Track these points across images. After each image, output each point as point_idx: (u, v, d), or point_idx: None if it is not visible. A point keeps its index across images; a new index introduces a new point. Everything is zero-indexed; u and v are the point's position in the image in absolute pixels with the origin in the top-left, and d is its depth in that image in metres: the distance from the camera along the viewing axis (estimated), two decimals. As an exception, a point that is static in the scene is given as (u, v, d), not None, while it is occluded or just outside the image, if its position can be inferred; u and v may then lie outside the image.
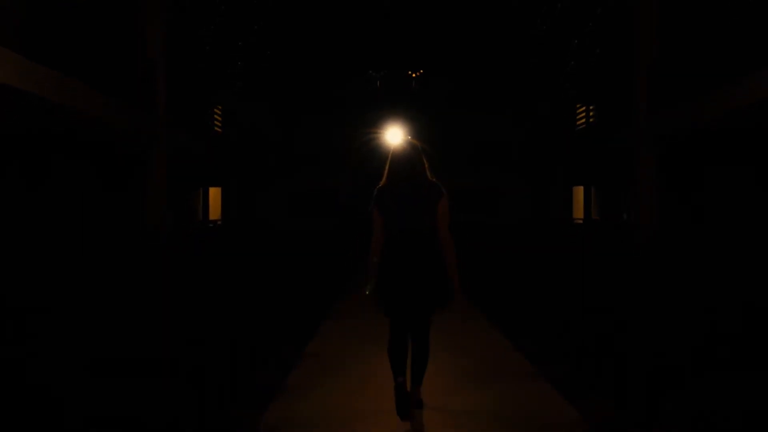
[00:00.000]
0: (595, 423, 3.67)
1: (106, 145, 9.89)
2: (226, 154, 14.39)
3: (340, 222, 17.73)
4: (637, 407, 3.67)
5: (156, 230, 9.62)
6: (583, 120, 13.23)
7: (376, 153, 18.67)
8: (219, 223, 16.25)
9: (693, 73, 8.20)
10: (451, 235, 3.64)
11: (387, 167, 3.75)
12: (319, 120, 18.94)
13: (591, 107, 12.91)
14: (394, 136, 18.55)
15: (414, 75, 19.51)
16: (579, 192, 16.25)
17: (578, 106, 13.60)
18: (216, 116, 13.59)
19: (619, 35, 11.47)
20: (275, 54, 17.40)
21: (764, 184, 8.21)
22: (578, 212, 16.08)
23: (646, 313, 4.05)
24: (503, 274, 7.76)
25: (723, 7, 7.70)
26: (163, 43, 10.07)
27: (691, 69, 8.29)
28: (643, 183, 9.64)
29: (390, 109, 18.83)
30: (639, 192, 9.68)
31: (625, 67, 10.63)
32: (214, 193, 17.11)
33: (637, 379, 3.68)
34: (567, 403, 4.00)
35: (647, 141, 9.53)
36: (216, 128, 13.54)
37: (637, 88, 9.74)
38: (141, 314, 3.77)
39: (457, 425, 3.72)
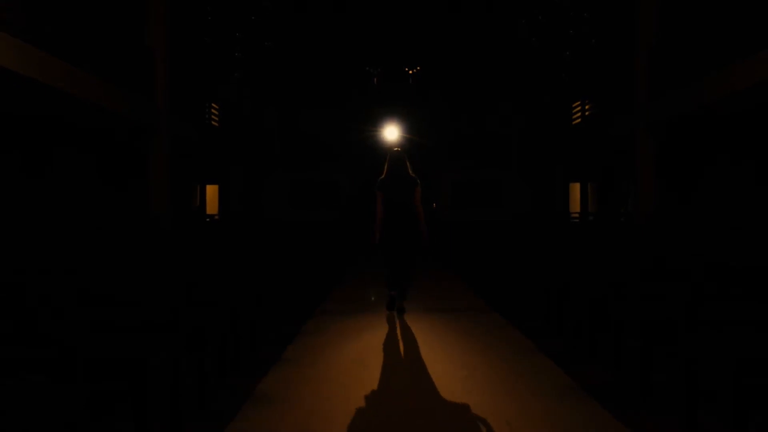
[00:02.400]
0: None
1: (107, 133, 9.94)
2: (223, 148, 14.44)
3: (340, 215, 17.79)
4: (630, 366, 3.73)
5: (159, 219, 9.68)
6: (579, 116, 13.32)
7: (375, 148, 18.78)
8: (216, 217, 16.29)
9: (693, 59, 8.27)
10: (422, 207, 6.02)
11: (386, 166, 6.06)
12: (318, 115, 19.01)
13: (587, 103, 12.99)
14: (391, 132, 18.70)
15: (411, 72, 19.60)
16: (576, 188, 16.36)
17: (575, 104, 13.67)
18: (213, 111, 13.64)
19: (616, 26, 11.56)
20: (274, 48, 17.46)
21: (763, 168, 8.28)
22: (575, 207, 16.17)
23: (638, 284, 4.11)
24: (507, 261, 7.83)
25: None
26: (164, 33, 10.13)
27: (692, 54, 8.35)
28: (642, 168, 9.70)
29: (388, 104, 18.93)
30: (638, 177, 9.74)
31: (623, 57, 10.71)
32: (212, 190, 17.18)
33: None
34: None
35: (647, 126, 9.60)
36: (213, 122, 13.59)
37: (637, 74, 9.81)
38: (149, 286, 3.82)
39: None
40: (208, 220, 15.71)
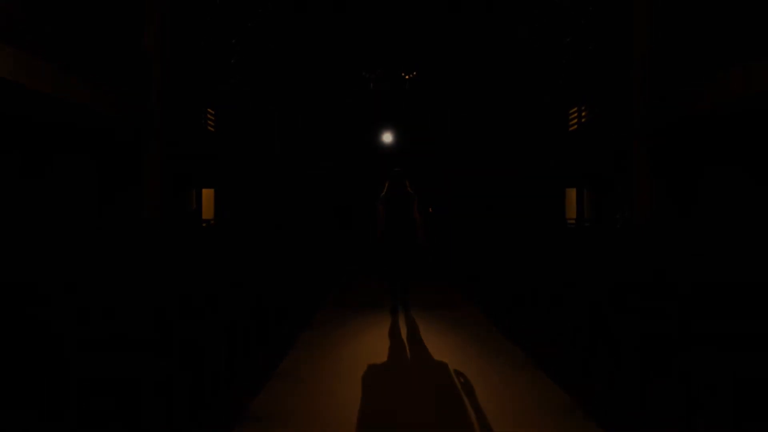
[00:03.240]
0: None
1: (100, 137, 9.88)
2: (219, 152, 14.39)
3: (339, 218, 17.74)
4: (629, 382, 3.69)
5: (153, 224, 9.61)
6: (576, 121, 13.33)
7: (373, 150, 18.75)
8: (212, 222, 16.22)
9: (688, 65, 8.26)
10: (421, 216, 6.81)
11: (387, 183, 6.90)
12: (316, 118, 18.99)
13: (584, 109, 12.99)
14: (389, 136, 18.70)
15: (408, 76, 19.61)
16: (572, 193, 16.37)
17: (572, 110, 13.67)
18: (210, 115, 13.59)
19: (613, 32, 11.56)
20: (272, 52, 17.42)
21: (759, 174, 8.27)
22: (571, 212, 16.18)
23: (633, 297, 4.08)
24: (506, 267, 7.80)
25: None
26: (161, 37, 10.09)
27: (686, 60, 8.35)
28: (639, 173, 9.68)
29: (386, 107, 18.94)
30: (635, 183, 9.72)
31: (619, 63, 10.71)
32: (207, 194, 17.10)
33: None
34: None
35: (643, 131, 9.58)
36: (210, 127, 13.54)
37: (633, 80, 9.79)
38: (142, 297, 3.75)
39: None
40: (204, 225, 15.64)
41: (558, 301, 5.25)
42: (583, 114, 12.97)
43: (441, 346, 5.32)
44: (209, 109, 13.59)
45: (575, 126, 13.32)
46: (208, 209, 17.04)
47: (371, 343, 5.41)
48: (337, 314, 6.88)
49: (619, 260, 5.19)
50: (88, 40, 8.06)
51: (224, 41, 14.87)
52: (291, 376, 4.35)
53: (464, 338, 5.61)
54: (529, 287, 6.39)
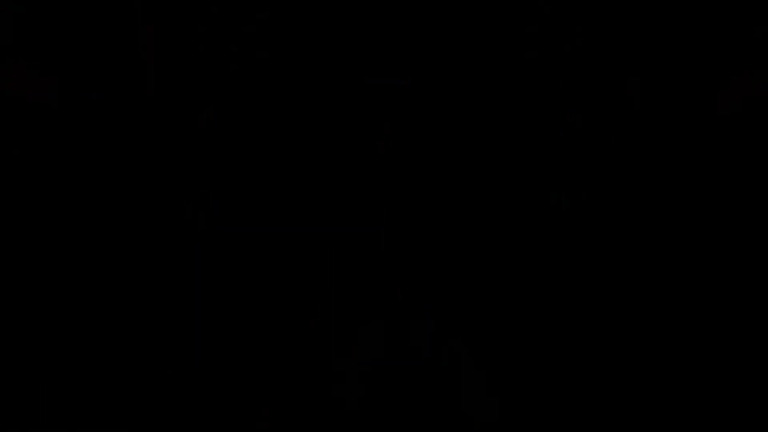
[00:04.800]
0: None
1: (93, 144, 9.83)
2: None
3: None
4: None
5: (148, 233, 9.54)
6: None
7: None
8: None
9: (683, 74, 8.28)
10: None
11: None
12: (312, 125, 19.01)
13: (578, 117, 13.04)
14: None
15: (403, 83, 19.66)
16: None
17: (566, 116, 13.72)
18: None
19: (608, 38, 11.62)
20: (268, 59, 17.43)
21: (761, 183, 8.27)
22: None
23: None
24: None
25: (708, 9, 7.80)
26: (154, 47, 10.07)
27: (682, 69, 8.37)
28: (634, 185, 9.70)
29: (379, 114, 18.97)
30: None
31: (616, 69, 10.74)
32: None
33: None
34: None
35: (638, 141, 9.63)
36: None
37: (627, 89, 9.85)
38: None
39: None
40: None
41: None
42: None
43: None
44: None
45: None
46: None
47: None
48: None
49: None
50: (83, 52, 8.02)
51: (221, 48, 14.88)
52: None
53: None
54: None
